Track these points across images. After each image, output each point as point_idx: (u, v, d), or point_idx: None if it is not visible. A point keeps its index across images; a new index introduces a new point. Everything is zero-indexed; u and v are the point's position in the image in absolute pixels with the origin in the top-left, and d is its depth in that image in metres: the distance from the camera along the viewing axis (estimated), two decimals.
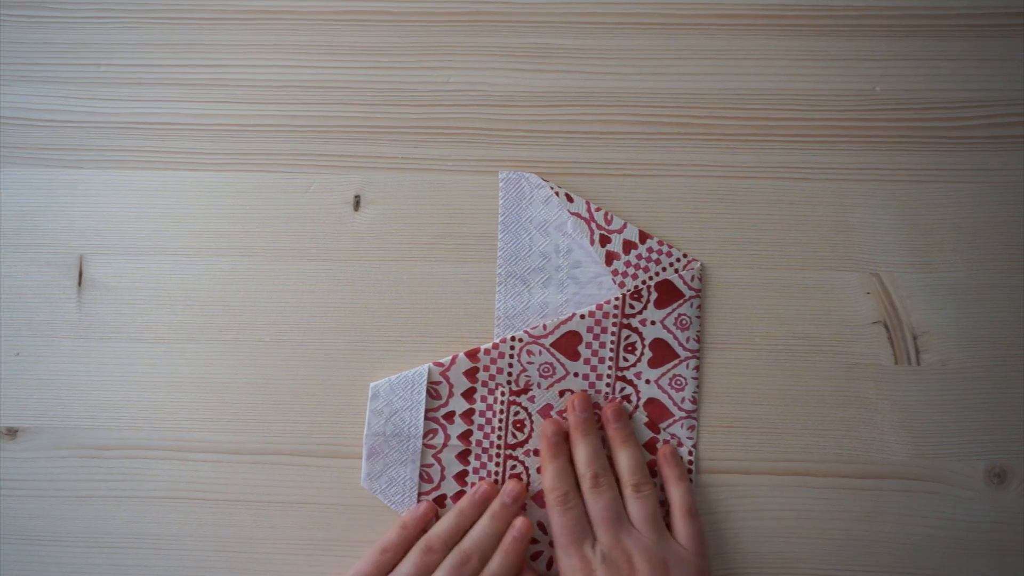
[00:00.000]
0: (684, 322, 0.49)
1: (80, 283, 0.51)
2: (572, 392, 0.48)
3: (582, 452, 0.47)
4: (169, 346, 0.50)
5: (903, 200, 0.50)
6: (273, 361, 0.50)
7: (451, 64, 0.51)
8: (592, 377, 0.48)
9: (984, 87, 0.50)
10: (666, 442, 0.48)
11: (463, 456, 0.48)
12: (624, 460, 0.47)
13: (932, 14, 0.51)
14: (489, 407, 0.48)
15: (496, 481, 0.48)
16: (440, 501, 0.48)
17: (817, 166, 0.50)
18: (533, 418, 0.48)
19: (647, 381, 0.48)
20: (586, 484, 0.46)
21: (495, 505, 0.47)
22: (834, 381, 0.49)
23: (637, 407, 0.48)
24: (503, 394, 0.48)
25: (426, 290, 0.50)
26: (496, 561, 0.45)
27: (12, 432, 0.50)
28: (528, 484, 0.48)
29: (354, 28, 0.52)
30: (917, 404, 0.49)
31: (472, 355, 0.48)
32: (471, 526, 0.47)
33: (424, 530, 0.47)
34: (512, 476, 0.48)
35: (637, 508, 0.46)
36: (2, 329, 0.50)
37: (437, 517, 0.48)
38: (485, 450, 0.48)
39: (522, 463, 0.48)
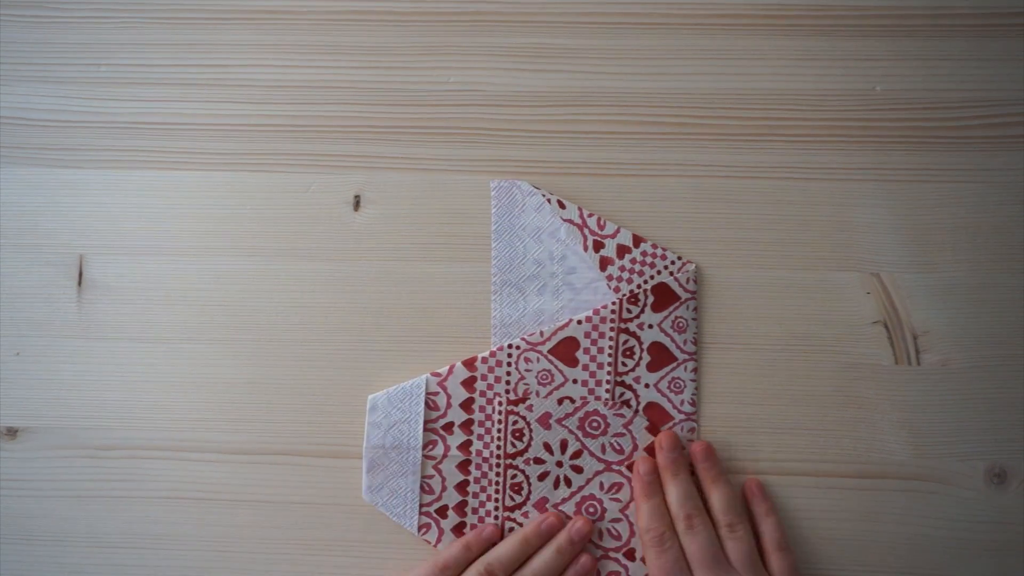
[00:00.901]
0: (681, 325, 0.48)
1: (80, 283, 0.51)
2: (571, 400, 0.48)
3: (674, 492, 0.46)
4: (169, 346, 0.50)
5: (903, 200, 0.50)
6: (273, 361, 0.50)
7: (451, 64, 0.51)
8: (591, 383, 0.48)
9: (984, 87, 0.50)
10: (751, 477, 0.48)
11: (463, 466, 0.48)
12: (716, 499, 0.46)
13: (932, 14, 0.51)
14: (488, 417, 0.48)
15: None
16: (442, 512, 0.48)
17: (817, 166, 0.50)
18: (532, 427, 0.48)
19: (646, 385, 0.48)
20: (680, 525, 0.46)
21: (562, 539, 0.46)
22: (834, 381, 0.49)
23: (637, 412, 0.48)
24: (500, 403, 0.48)
25: (426, 290, 0.50)
26: (544, 565, 0.45)
27: (12, 432, 0.50)
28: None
29: (354, 28, 0.52)
30: (917, 404, 0.49)
31: (469, 364, 0.48)
32: (533, 554, 0.46)
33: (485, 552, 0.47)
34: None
35: (733, 547, 0.45)
36: (2, 329, 0.50)
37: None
38: (485, 459, 0.48)
39: (523, 472, 0.48)
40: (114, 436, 0.49)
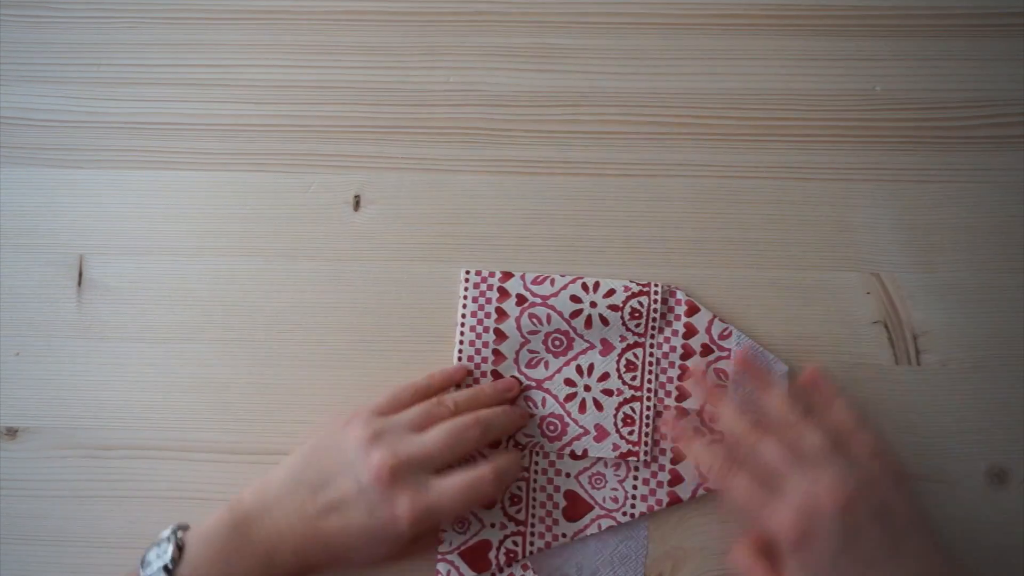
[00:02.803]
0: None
1: (80, 283, 0.51)
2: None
3: (723, 419, 0.45)
4: (169, 346, 0.50)
5: (903, 200, 0.50)
6: (273, 361, 0.50)
7: (451, 64, 0.51)
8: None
9: (984, 87, 0.50)
10: (809, 368, 0.46)
11: None
12: (771, 402, 0.44)
13: (932, 14, 0.51)
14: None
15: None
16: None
17: (817, 166, 0.50)
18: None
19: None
20: (750, 439, 0.42)
21: (508, 407, 0.47)
22: (834, 381, 0.49)
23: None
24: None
25: (426, 290, 0.50)
26: (490, 414, 0.45)
27: (12, 432, 0.50)
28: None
29: (354, 28, 0.52)
30: (917, 404, 0.49)
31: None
32: (486, 406, 0.46)
33: (447, 389, 0.48)
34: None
35: (810, 440, 0.41)
36: (2, 329, 0.50)
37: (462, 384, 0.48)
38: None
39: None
40: (114, 436, 0.49)
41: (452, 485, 0.43)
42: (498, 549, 0.47)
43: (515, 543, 0.47)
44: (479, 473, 0.44)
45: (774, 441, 0.42)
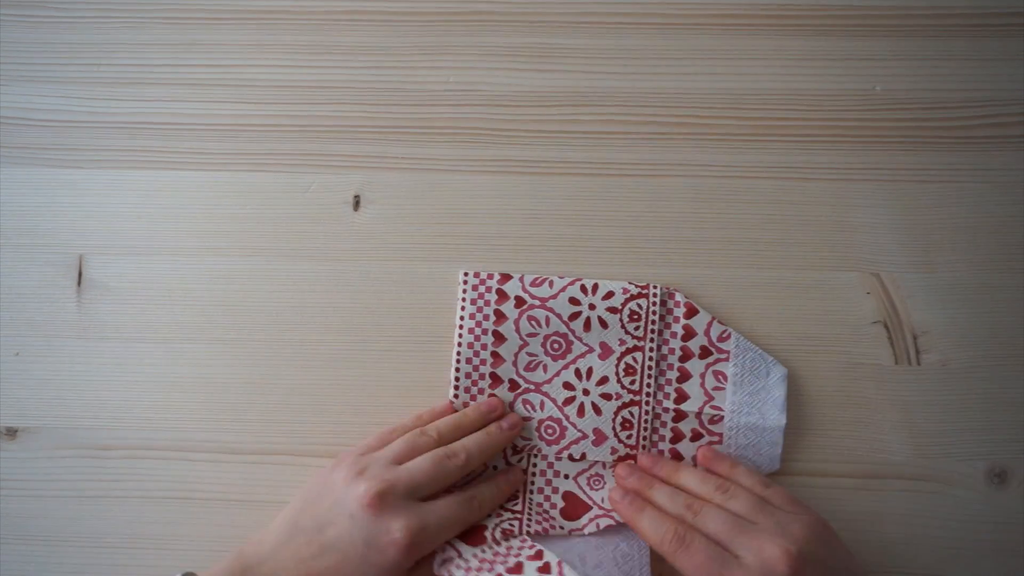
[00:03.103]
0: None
1: (80, 283, 0.51)
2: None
3: (660, 497, 0.45)
4: (169, 346, 0.50)
5: (903, 200, 0.50)
6: (273, 361, 0.50)
7: (451, 64, 0.51)
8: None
9: (984, 87, 0.50)
10: (699, 448, 0.48)
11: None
12: (688, 480, 0.46)
13: (932, 14, 0.51)
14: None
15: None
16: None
17: (817, 166, 0.50)
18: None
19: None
20: (687, 517, 0.44)
21: (493, 427, 0.47)
22: (834, 381, 0.49)
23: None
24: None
25: (426, 290, 0.50)
26: (474, 440, 0.47)
27: (12, 432, 0.50)
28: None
29: (354, 28, 0.52)
30: (917, 404, 0.49)
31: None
32: (470, 430, 0.47)
33: None
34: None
35: (737, 504, 0.43)
36: (2, 329, 0.50)
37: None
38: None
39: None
40: (114, 436, 0.49)
41: (444, 504, 0.44)
42: (493, 530, 0.46)
43: (512, 525, 0.47)
44: (472, 492, 0.45)
45: (715, 509, 0.43)
